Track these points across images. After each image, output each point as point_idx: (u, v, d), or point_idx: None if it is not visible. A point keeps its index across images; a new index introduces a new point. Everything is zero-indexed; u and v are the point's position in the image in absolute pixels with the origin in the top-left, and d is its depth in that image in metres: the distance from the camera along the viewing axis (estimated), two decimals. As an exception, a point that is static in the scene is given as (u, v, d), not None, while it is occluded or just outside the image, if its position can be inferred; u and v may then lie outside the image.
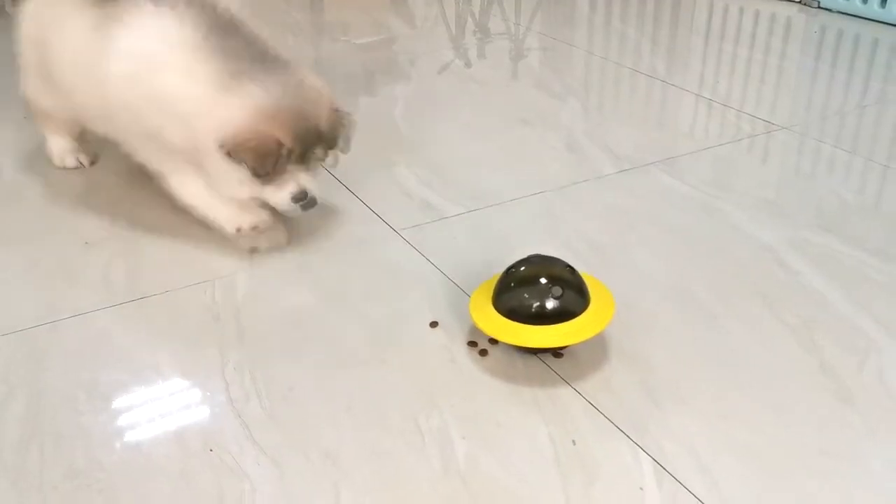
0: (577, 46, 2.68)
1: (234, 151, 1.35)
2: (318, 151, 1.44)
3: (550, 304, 1.19)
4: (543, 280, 1.20)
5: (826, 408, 1.16)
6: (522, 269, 1.23)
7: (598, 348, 1.25)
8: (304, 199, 1.43)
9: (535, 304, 1.19)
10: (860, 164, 1.87)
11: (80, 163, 1.80)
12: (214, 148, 1.36)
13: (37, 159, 1.84)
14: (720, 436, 1.11)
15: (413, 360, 1.24)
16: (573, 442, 1.11)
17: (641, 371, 1.21)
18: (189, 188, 1.47)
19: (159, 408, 1.16)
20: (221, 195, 1.45)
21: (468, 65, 2.53)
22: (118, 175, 1.77)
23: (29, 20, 1.64)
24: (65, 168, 1.80)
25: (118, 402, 1.16)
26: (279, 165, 1.38)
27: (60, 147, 1.80)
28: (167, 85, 1.37)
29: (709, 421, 1.14)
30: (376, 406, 1.16)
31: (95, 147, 1.83)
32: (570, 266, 1.23)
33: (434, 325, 1.30)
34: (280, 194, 1.42)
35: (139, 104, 1.39)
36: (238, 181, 1.39)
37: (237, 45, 1.40)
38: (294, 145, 1.38)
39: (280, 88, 1.36)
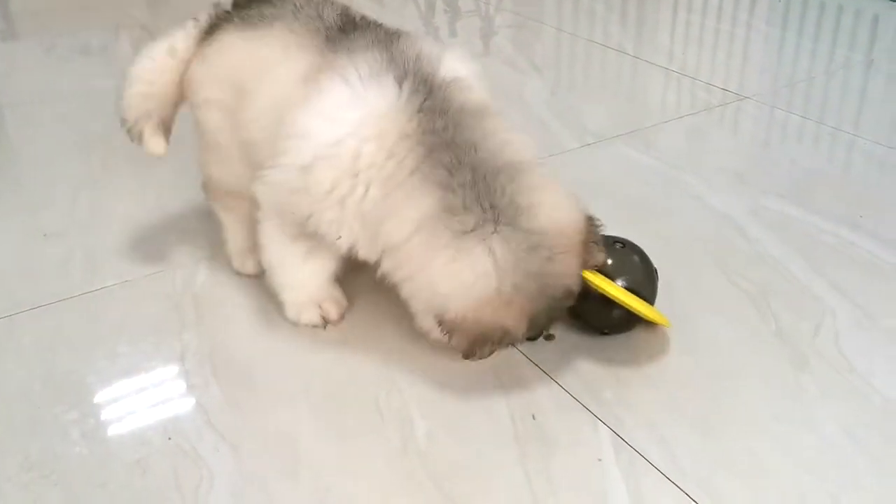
0: (547, 23, 2.67)
1: (450, 331, 1.09)
2: (551, 329, 1.22)
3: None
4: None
5: (780, 373, 1.17)
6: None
7: (557, 323, 1.25)
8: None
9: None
10: (823, 132, 1.87)
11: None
12: (421, 302, 1.12)
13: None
14: (677, 404, 1.12)
15: (373, 341, 1.24)
16: (533, 417, 1.11)
17: (600, 343, 1.22)
18: (277, 248, 1.22)
19: (117, 398, 1.16)
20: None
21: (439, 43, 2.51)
22: (78, 165, 1.75)
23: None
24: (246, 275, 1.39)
25: (75, 394, 1.16)
26: (493, 349, 1.12)
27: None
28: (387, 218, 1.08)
29: (666, 390, 1.14)
30: (336, 387, 1.16)
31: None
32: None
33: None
34: None
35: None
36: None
37: (464, 174, 1.06)
38: (524, 331, 1.10)
39: (523, 254, 1.05)
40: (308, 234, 1.16)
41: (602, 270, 1.15)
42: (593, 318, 1.23)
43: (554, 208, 1.09)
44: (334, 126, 1.10)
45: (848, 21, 2.59)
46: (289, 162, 1.12)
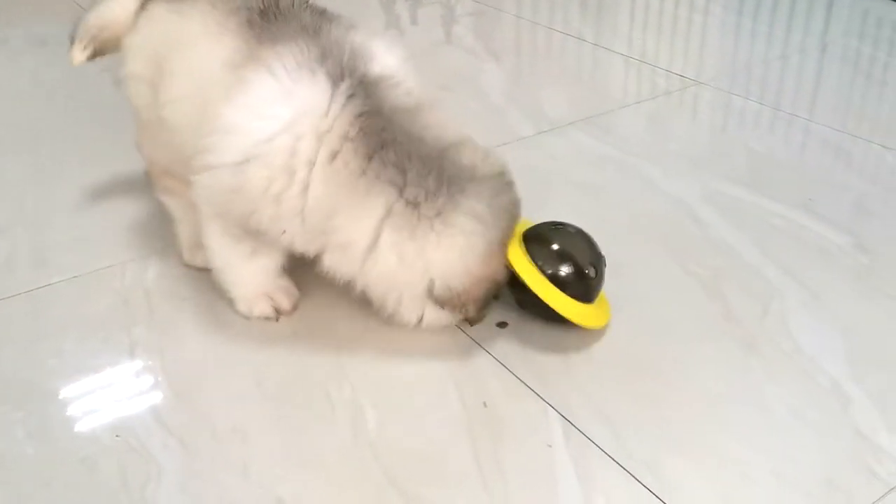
0: (507, 11, 2.66)
1: (459, 303, 1.15)
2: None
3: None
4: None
5: (729, 355, 1.18)
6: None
7: (507, 308, 1.26)
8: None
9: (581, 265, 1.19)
10: (777, 116, 1.89)
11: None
12: (416, 290, 1.14)
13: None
14: (626, 388, 1.13)
15: (324, 333, 1.23)
16: (484, 404, 1.11)
17: (550, 329, 1.22)
18: (222, 249, 1.21)
19: (63, 396, 1.14)
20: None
21: (401, 32, 2.50)
22: (27, 158, 1.72)
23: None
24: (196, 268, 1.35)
25: (20, 393, 1.14)
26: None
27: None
28: (338, 208, 1.10)
29: (616, 374, 1.15)
30: (287, 380, 1.16)
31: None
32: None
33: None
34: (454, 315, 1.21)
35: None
36: (412, 312, 1.19)
37: (416, 166, 1.10)
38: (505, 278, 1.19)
39: (494, 202, 1.13)
40: (252, 233, 1.15)
41: (539, 261, 1.16)
42: (538, 309, 1.22)
43: (487, 156, 1.17)
44: (265, 122, 1.09)
45: (802, 5, 2.62)
46: (218, 161, 1.11)
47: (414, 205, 1.10)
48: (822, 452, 1.03)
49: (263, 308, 1.25)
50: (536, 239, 1.19)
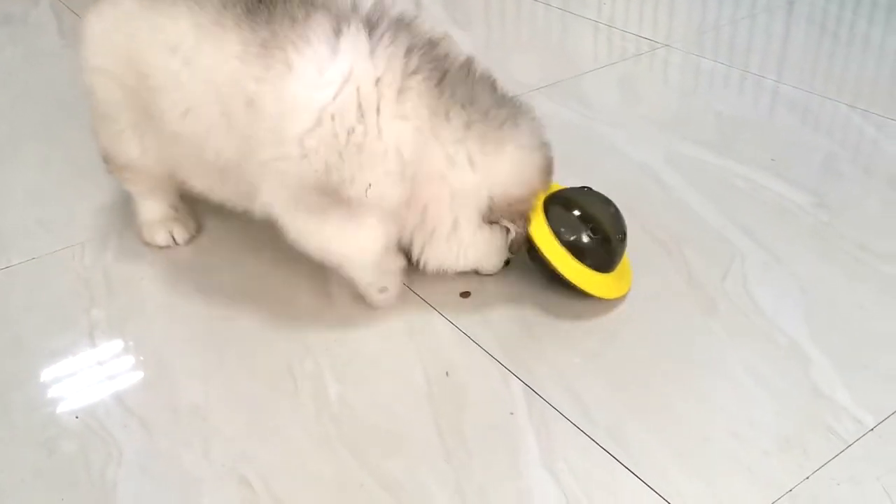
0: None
1: (506, 211, 1.17)
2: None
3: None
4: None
5: (690, 319, 1.19)
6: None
7: (469, 278, 1.25)
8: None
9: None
10: (743, 77, 1.88)
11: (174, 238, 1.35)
12: (479, 200, 1.16)
13: None
14: (589, 356, 1.13)
15: (287, 308, 1.23)
16: (446, 374, 1.11)
17: (513, 299, 1.22)
18: (341, 230, 1.15)
19: (22, 379, 1.13)
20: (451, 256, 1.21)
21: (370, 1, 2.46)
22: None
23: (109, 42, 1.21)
24: (156, 246, 1.35)
25: (-20, 377, 1.13)
26: None
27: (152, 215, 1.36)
28: (405, 141, 1.11)
29: (578, 342, 1.16)
30: (250, 356, 1.15)
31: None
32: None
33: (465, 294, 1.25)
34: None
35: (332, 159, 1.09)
36: (484, 241, 1.20)
37: (478, 86, 1.17)
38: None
39: (533, 136, 1.19)
40: (336, 198, 1.12)
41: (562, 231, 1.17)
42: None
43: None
44: (320, 91, 1.08)
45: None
46: (285, 139, 1.09)
47: (483, 116, 1.15)
48: (780, 411, 1.04)
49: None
50: (559, 203, 1.19)
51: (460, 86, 1.15)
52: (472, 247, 1.20)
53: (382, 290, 1.21)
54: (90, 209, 1.45)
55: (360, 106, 1.08)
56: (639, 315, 1.20)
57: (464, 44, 2.10)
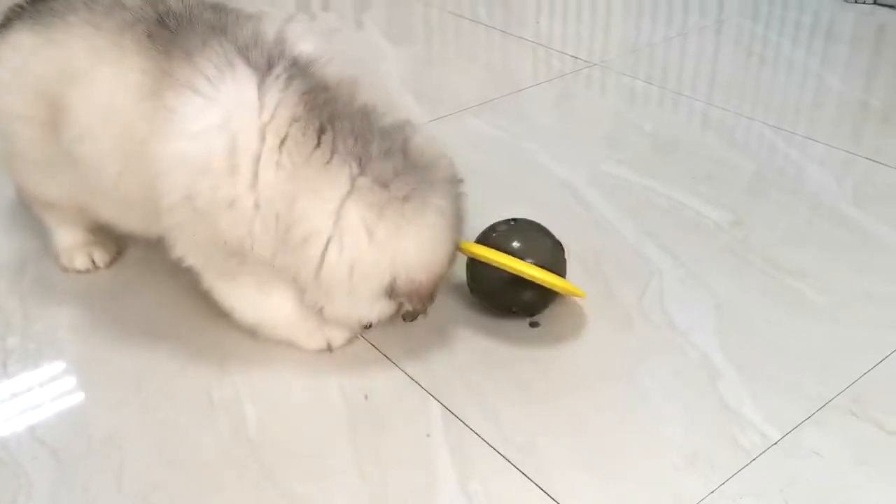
0: (414, -4, 2.65)
1: (407, 293, 1.09)
2: None
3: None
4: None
5: (607, 335, 1.21)
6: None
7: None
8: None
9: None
10: (671, 97, 1.93)
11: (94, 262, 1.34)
12: (380, 276, 1.07)
13: None
14: (504, 373, 1.15)
15: (206, 332, 1.22)
16: (365, 396, 1.12)
17: (432, 319, 1.23)
18: (250, 298, 1.14)
19: (-68, 411, 1.10)
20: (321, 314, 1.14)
21: (312, 17, 2.47)
22: None
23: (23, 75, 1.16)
24: (75, 271, 1.33)
25: None
26: None
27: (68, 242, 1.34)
28: (298, 203, 1.02)
29: (496, 361, 1.17)
30: (168, 383, 1.14)
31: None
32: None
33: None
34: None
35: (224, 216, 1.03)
36: (366, 304, 1.11)
37: (377, 139, 1.05)
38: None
39: (454, 196, 1.10)
40: (235, 257, 1.08)
41: (509, 250, 1.16)
42: (502, 297, 1.21)
43: (431, 145, 1.12)
44: (198, 141, 1.02)
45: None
46: (171, 202, 1.05)
47: (382, 182, 1.03)
48: (689, 425, 1.07)
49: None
50: (502, 238, 1.18)
51: (350, 136, 1.03)
52: (371, 312, 1.13)
53: (327, 342, 1.18)
54: (6, 232, 1.43)
55: (231, 154, 1.01)
56: (555, 330, 1.22)
57: (397, 62, 2.13)
